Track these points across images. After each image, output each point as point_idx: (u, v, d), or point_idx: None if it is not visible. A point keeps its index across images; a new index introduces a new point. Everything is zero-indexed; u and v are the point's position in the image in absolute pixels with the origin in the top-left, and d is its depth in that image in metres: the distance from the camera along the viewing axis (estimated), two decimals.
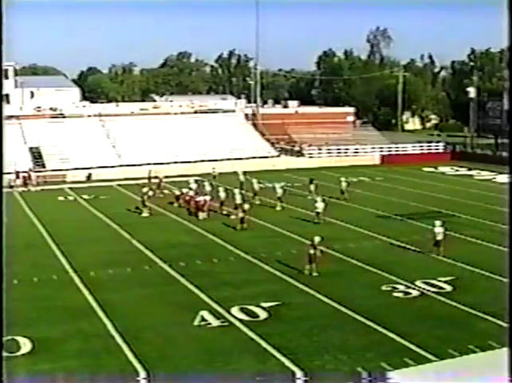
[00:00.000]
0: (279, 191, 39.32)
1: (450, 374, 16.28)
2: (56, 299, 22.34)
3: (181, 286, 23.91)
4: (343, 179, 43.07)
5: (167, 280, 24.73)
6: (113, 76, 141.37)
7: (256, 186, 41.97)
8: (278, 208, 38.62)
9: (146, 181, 46.17)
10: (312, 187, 42.48)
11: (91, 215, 37.99)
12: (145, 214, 37.15)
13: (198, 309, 20.86)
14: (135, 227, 34.10)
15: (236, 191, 38.55)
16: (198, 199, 37.31)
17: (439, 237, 27.30)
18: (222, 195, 37.79)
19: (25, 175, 49.62)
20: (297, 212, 37.78)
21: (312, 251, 24.83)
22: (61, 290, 23.51)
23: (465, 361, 17.11)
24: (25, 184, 48.55)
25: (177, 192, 40.52)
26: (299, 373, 16.40)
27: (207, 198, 37.29)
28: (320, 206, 34.48)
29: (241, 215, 33.42)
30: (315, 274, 24.71)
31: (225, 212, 36.69)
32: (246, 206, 34.23)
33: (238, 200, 36.87)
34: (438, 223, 27.93)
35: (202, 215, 35.97)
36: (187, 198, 38.58)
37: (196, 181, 43.78)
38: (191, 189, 40.36)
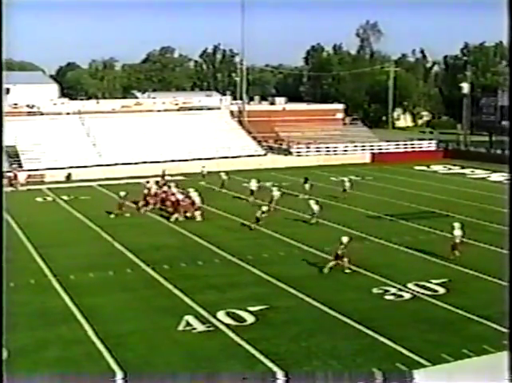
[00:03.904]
0: (276, 194, 38.36)
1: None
2: (34, 304, 21.84)
3: (165, 289, 23.49)
4: (346, 178, 42.92)
5: (150, 284, 24.28)
6: (93, 71, 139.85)
7: (254, 186, 41.50)
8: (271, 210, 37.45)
9: (160, 179, 45.17)
10: (307, 186, 42.04)
11: (70, 217, 37.28)
12: (112, 216, 36.11)
13: (182, 313, 20.53)
14: (117, 228, 33.46)
15: (194, 193, 36.74)
16: (179, 197, 36.34)
17: (457, 240, 26.85)
18: (194, 195, 36.65)
19: (11, 175, 48.65)
20: (284, 213, 37.35)
21: (340, 252, 24.98)
22: (39, 294, 22.98)
23: (464, 365, 16.66)
24: (10, 184, 47.50)
25: (145, 191, 39.35)
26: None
27: (180, 197, 36.28)
28: (315, 208, 33.90)
29: (259, 214, 33.18)
30: (347, 271, 24.89)
31: (188, 214, 35.55)
32: (265, 208, 33.86)
33: (198, 203, 35.73)
34: (457, 224, 27.39)
35: (173, 217, 35.10)
36: (164, 196, 37.61)
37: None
38: (169, 187, 39.31)
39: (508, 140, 64.19)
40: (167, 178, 45.61)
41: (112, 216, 35.97)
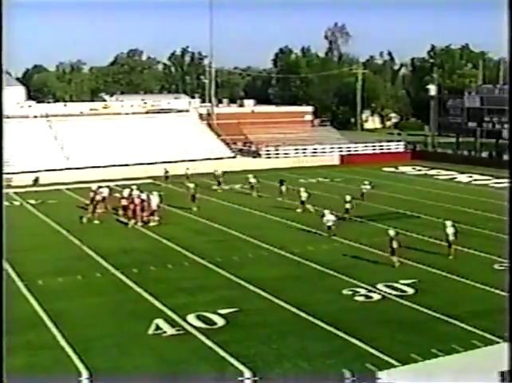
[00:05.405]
0: (304, 195, 38.03)
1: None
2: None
3: (134, 293, 23.28)
4: (366, 182, 42.48)
5: (119, 288, 24.07)
6: (60, 74, 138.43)
7: (253, 182, 44.11)
8: (311, 210, 37.18)
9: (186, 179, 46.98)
10: (283, 188, 42.03)
11: (38, 221, 36.84)
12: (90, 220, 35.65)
13: (152, 317, 20.36)
14: (86, 232, 33.17)
15: (154, 197, 36.14)
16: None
17: (451, 237, 27.12)
18: (153, 198, 36.03)
19: None
20: (256, 215, 37.39)
21: (394, 246, 25.68)
22: (6, 300, 22.28)
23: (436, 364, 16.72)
24: None
25: (91, 194, 38.29)
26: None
27: (137, 201, 35.55)
28: (331, 218, 31.46)
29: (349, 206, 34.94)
30: (397, 264, 25.60)
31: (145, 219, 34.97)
32: (348, 197, 35.55)
33: (154, 206, 35.18)
34: (449, 223, 27.67)
35: (131, 223, 34.58)
36: (125, 203, 36.48)
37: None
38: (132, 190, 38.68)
39: (474, 141, 65.27)
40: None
41: (85, 220, 35.45)
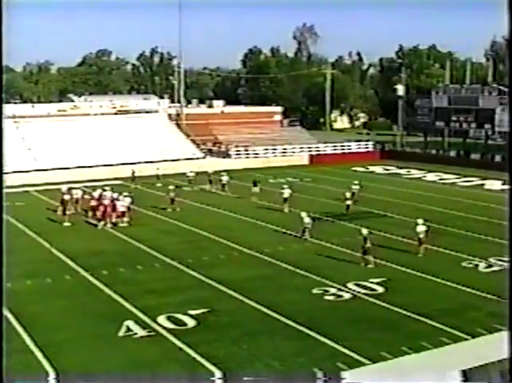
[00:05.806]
0: (286, 192, 38.05)
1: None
2: None
3: (104, 295, 23.12)
4: (356, 182, 42.15)
5: (89, 290, 23.86)
6: (28, 75, 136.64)
7: (225, 180, 44.73)
8: (286, 210, 37.30)
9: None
10: (256, 189, 41.97)
11: (6, 224, 35.89)
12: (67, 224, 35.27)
13: (122, 319, 20.24)
14: (55, 234, 32.83)
15: (126, 198, 35.91)
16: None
17: (422, 235, 27.35)
18: (123, 199, 35.85)
19: None
20: (225, 215, 37.35)
21: (367, 245, 25.74)
22: None
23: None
24: None
25: (66, 197, 37.80)
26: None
27: (106, 202, 35.24)
28: (307, 221, 30.90)
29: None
30: (371, 265, 25.64)
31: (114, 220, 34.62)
32: (348, 194, 37.14)
33: (123, 208, 34.80)
34: (420, 221, 27.93)
35: (101, 224, 34.29)
36: (94, 204, 36.03)
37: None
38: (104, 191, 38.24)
39: (441, 140, 66.04)
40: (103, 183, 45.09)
41: (68, 224, 34.97)
